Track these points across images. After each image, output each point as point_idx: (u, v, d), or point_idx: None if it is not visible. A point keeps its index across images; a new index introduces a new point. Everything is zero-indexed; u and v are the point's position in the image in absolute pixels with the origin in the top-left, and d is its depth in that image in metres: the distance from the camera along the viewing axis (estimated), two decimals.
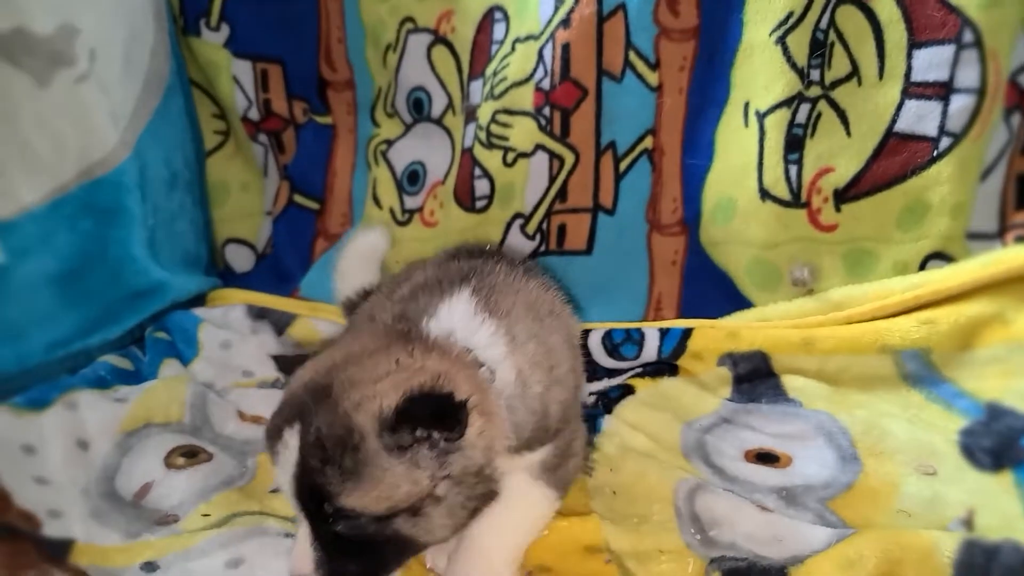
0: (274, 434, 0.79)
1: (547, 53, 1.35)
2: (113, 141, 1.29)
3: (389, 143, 1.63)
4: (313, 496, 0.76)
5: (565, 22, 1.32)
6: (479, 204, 1.48)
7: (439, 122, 1.57)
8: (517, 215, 1.45)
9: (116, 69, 1.31)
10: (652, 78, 1.34)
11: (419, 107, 1.58)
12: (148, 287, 1.39)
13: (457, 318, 0.90)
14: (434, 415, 0.76)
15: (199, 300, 1.55)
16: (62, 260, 1.26)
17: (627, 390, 1.23)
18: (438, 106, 1.56)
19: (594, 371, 1.31)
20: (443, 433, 0.77)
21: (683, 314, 1.38)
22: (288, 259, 1.67)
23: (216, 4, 1.60)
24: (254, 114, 1.67)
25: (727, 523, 0.90)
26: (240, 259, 1.75)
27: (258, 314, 1.45)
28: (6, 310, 1.20)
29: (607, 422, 1.15)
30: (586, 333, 1.33)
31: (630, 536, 0.91)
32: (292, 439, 0.76)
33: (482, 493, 0.82)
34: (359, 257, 1.51)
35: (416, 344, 0.84)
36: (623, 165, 1.40)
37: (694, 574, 0.83)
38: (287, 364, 0.93)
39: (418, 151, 1.60)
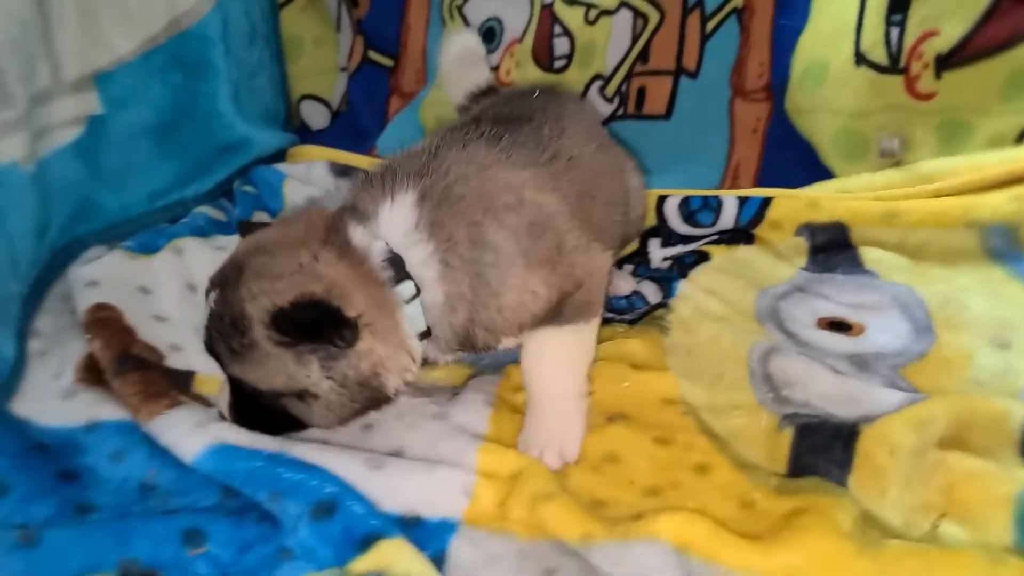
0: (208, 289, 0.86)
1: None
2: None
3: None
4: (216, 357, 0.85)
5: None
6: (557, 64, 1.46)
7: None
8: (597, 76, 1.43)
9: None
10: None
11: None
12: (234, 141, 1.43)
13: (394, 228, 0.87)
14: (315, 325, 0.79)
15: (279, 156, 1.58)
16: (157, 112, 1.29)
17: (702, 256, 1.25)
18: None
19: (669, 237, 1.33)
20: (322, 344, 0.81)
21: (761, 183, 1.38)
22: (363, 117, 1.68)
23: None
24: None
25: (800, 383, 0.94)
26: (315, 116, 1.76)
27: (340, 171, 1.49)
28: (108, 159, 1.25)
29: (682, 286, 1.18)
30: (663, 199, 1.34)
31: (705, 391, 0.96)
32: (212, 301, 0.84)
33: (368, 398, 0.86)
34: (456, 63, 1.45)
35: (327, 249, 0.84)
36: (710, 25, 1.35)
37: (767, 428, 0.89)
38: (245, 229, 0.98)
39: (494, 7, 1.55)
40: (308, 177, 1.46)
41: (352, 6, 1.68)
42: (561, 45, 1.43)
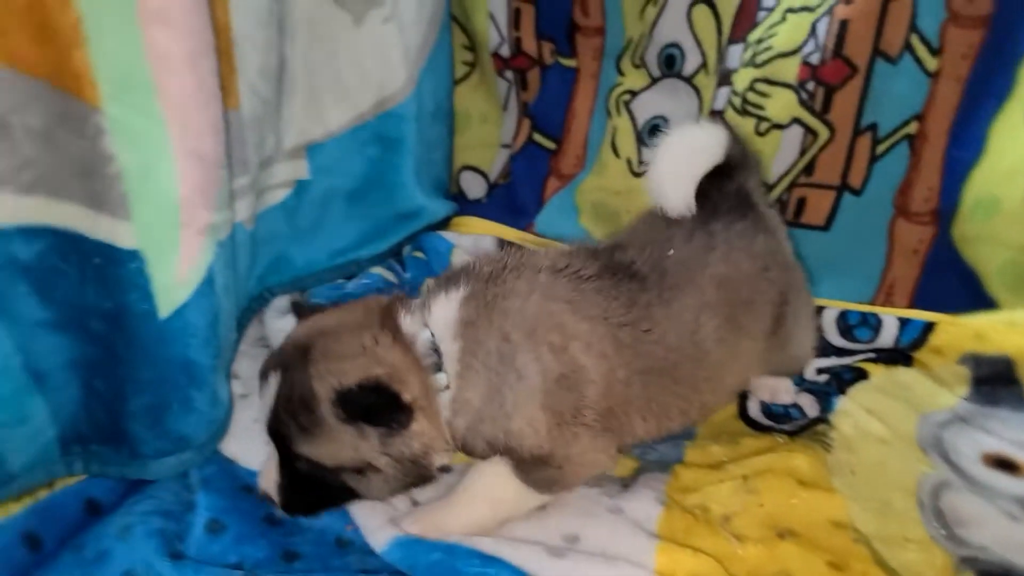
0: (264, 372, 0.93)
1: (821, 27, 1.34)
2: (403, 77, 1.41)
3: (633, 94, 1.66)
4: (280, 436, 0.90)
5: None
6: None
7: (689, 80, 1.59)
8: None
9: (412, 10, 1.41)
10: (931, 64, 1.31)
11: (671, 63, 1.60)
12: (412, 210, 1.54)
13: (438, 321, 0.95)
14: (377, 407, 0.87)
15: (442, 223, 1.69)
16: (352, 180, 1.42)
17: (859, 373, 1.27)
18: (691, 65, 1.57)
19: (824, 349, 1.35)
20: (381, 425, 0.88)
21: (917, 303, 1.39)
22: (522, 193, 1.77)
23: None
24: (505, 51, 1.74)
25: (974, 525, 0.94)
26: (474, 186, 1.87)
27: (504, 246, 1.57)
28: (303, 219, 1.38)
29: (841, 402, 1.20)
30: (820, 309, 1.37)
31: (874, 518, 0.97)
32: (274, 383, 0.90)
33: (417, 475, 0.93)
34: (685, 158, 1.17)
35: (385, 334, 0.92)
36: (880, 148, 1.39)
37: (942, 568, 0.89)
38: (301, 310, 1.06)
39: (662, 106, 1.63)
40: (476, 249, 1.56)
41: (521, 89, 1.79)
42: None
